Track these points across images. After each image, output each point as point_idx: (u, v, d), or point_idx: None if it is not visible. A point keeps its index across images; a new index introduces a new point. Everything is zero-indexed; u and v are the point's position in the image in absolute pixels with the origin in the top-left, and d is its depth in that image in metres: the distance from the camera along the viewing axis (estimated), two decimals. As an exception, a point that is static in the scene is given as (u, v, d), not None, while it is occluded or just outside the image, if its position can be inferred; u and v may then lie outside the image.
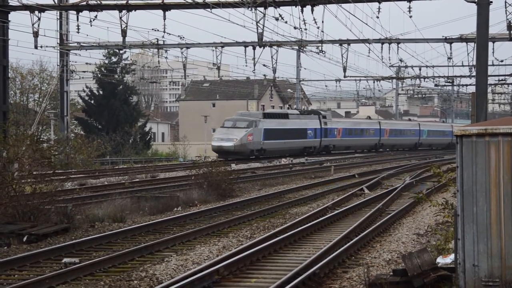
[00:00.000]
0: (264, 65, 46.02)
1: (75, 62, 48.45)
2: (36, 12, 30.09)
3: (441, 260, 11.44)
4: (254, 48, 39.16)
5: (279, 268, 13.52)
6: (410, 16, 29.80)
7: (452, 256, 11.04)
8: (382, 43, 41.29)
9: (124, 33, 31.09)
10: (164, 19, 30.23)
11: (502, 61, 51.49)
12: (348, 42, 41.89)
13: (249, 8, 28.98)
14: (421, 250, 11.12)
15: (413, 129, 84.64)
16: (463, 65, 50.42)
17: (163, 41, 39.94)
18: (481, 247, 9.80)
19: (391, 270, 12.13)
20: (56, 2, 33.86)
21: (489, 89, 67.51)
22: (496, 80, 68.70)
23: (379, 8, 29.34)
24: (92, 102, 70.57)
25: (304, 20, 30.26)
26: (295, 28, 31.80)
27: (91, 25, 30.08)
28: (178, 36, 39.38)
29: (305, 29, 33.18)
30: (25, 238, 16.46)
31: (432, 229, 17.39)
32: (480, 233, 9.81)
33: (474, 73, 35.36)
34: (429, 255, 10.92)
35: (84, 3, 29.13)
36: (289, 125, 57.92)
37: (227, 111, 74.70)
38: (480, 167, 9.83)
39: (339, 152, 68.01)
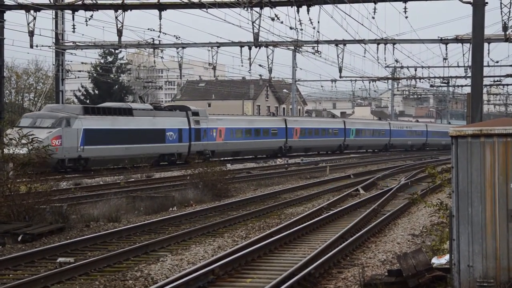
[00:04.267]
0: (260, 65, 46.14)
1: (71, 61, 48.53)
2: (32, 12, 30.05)
3: (436, 261, 11.45)
4: (250, 48, 39.22)
5: (274, 268, 13.52)
6: (406, 17, 29.87)
7: (447, 256, 11.06)
8: (378, 44, 41.37)
9: (119, 32, 31.07)
10: (160, 18, 30.25)
11: (497, 62, 51.74)
12: (344, 42, 41.97)
13: (245, 8, 28.99)
14: (416, 251, 11.13)
15: (336, 127, 70.09)
16: (458, 66, 50.67)
17: (159, 41, 40.01)
18: (476, 247, 9.81)
19: (386, 270, 12.14)
20: (52, 2, 33.81)
21: (485, 90, 67.54)
22: (491, 81, 68.94)
23: (374, 9, 29.40)
24: (88, 101, 70.55)
25: (300, 21, 30.36)
26: (291, 28, 31.87)
27: (86, 25, 30.09)
28: (174, 36, 39.45)
29: (301, 29, 33.29)
30: (20, 238, 16.43)
31: (427, 229, 17.41)
32: (475, 233, 9.83)
33: (469, 74, 35.44)
34: (424, 256, 10.93)
35: (80, 2, 29.11)
36: (132, 124, 42.49)
37: (223, 111, 74.60)
38: (475, 167, 9.85)
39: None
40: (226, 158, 48.94)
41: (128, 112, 42.74)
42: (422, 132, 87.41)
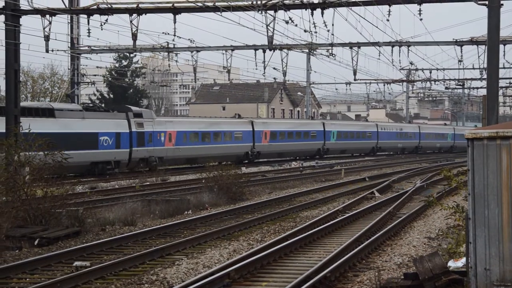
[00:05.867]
0: (274, 68, 46.04)
1: (86, 65, 48.78)
2: (47, 16, 30.18)
3: (453, 264, 11.40)
4: (264, 51, 39.17)
5: (290, 271, 13.51)
6: (421, 19, 29.67)
7: (464, 259, 11.01)
8: (393, 46, 41.22)
9: (134, 36, 31.16)
10: (175, 22, 30.27)
11: (513, 63, 51.30)
12: (358, 45, 41.84)
13: (259, 11, 28.98)
14: (432, 254, 11.09)
15: (313, 130, 63.66)
16: (474, 68, 50.33)
17: (174, 44, 40.02)
18: (492, 250, 9.76)
19: (402, 273, 12.10)
20: (67, 6, 33.96)
21: (500, 92, 67.19)
22: (507, 83, 68.46)
23: (389, 11, 29.25)
24: (103, 105, 70.85)
25: (314, 23, 30.26)
26: (305, 31, 31.81)
27: (101, 29, 30.12)
28: (189, 39, 39.47)
29: (315, 32, 33.18)
30: (36, 242, 16.52)
31: (443, 232, 17.34)
32: (492, 236, 9.77)
33: (485, 76, 35.28)
34: (440, 259, 10.89)
35: (95, 6, 29.21)
36: (53, 127, 36.09)
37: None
38: (492, 170, 9.79)
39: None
40: (178, 166, 41.28)
41: (49, 113, 36.60)
42: (414, 134, 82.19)
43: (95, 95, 74.62)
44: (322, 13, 28.76)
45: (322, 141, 64.11)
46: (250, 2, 28.38)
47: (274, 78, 62.62)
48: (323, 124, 65.90)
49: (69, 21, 40.48)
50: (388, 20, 29.91)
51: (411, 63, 51.32)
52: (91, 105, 42.72)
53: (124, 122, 41.51)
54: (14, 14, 28.59)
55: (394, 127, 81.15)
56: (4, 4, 28.66)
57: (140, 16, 30.30)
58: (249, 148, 53.92)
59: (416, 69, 56.41)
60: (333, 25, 31.96)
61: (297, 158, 60.65)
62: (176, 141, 45.83)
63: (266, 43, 34.68)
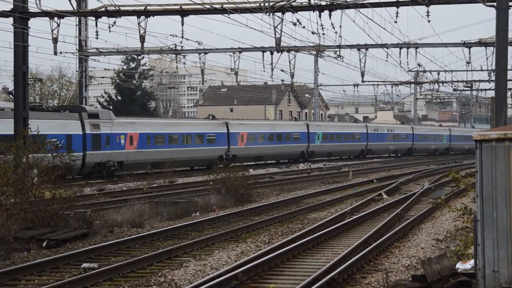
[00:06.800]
0: (282, 70, 46.08)
1: (94, 68, 48.81)
2: (56, 19, 30.27)
3: (461, 266, 11.38)
4: (271, 53, 39.16)
5: (298, 273, 13.50)
6: (429, 21, 29.66)
7: (472, 261, 10.98)
8: (400, 48, 41.17)
9: (142, 38, 31.23)
10: (182, 24, 30.32)
11: (521, 65, 51.04)
12: (366, 46, 41.79)
13: (267, 13, 28.99)
14: (441, 256, 11.06)
15: (296, 131, 60.10)
16: (482, 70, 50.13)
17: (181, 46, 40.04)
18: (501, 252, 9.73)
19: (410, 275, 12.07)
20: (75, 9, 34.05)
21: (509, 94, 66.92)
22: (515, 85, 68.23)
23: (397, 13, 29.23)
24: (111, 107, 71.04)
25: (321, 25, 30.26)
26: (312, 33, 31.81)
27: (109, 31, 30.23)
28: (196, 41, 39.51)
29: (323, 34, 33.17)
30: (44, 243, 16.56)
31: (452, 234, 17.30)
32: (500, 238, 9.74)
33: (493, 78, 35.14)
34: (448, 261, 10.86)
35: (103, 9, 29.28)
36: None
37: (245, 116, 74.52)
38: (500, 172, 9.77)
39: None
40: (139, 172, 37.29)
41: None
42: (407, 135, 79.11)
43: (103, 97, 74.81)
44: (330, 15, 28.77)
45: (306, 144, 60.51)
46: (257, 4, 28.40)
47: (282, 80, 62.70)
48: (307, 125, 62.03)
49: (77, 23, 40.57)
50: (396, 22, 29.90)
51: (419, 65, 51.27)
52: (38, 104, 38.88)
53: (76, 123, 37.90)
54: (22, 16, 28.68)
55: (385, 128, 77.63)
56: (12, 7, 28.77)
57: (148, 18, 30.38)
58: (224, 151, 50.12)
59: (424, 71, 56.33)
60: (340, 27, 32.06)
61: (279, 161, 58.44)
62: (139, 144, 42.13)
63: (274, 45, 34.69)
